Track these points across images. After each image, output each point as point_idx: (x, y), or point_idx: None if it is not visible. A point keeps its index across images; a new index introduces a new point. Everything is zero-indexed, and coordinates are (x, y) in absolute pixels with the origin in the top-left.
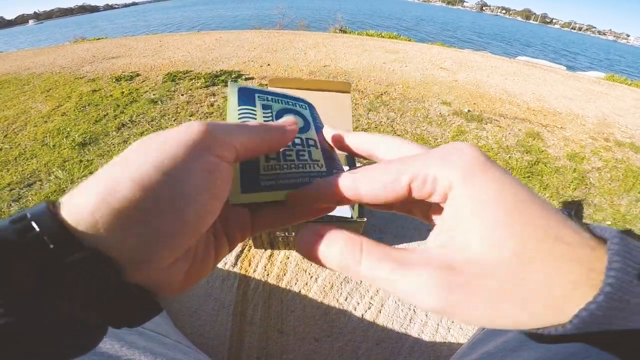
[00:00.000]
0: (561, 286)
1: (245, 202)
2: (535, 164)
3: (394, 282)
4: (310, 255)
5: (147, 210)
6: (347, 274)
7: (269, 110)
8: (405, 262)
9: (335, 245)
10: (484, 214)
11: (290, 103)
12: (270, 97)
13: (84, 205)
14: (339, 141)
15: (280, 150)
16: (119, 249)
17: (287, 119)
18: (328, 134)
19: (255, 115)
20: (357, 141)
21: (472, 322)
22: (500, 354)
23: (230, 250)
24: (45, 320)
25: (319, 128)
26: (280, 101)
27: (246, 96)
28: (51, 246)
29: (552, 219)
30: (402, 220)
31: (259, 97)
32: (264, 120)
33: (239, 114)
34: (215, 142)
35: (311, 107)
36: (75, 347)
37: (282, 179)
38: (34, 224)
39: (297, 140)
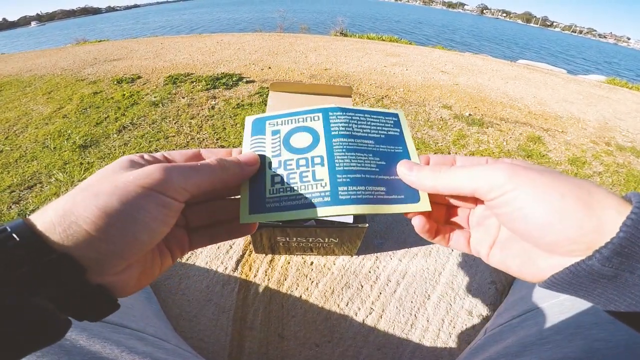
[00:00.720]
0: (596, 217)
1: (252, 221)
2: None
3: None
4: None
5: (108, 232)
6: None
7: (277, 136)
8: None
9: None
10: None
11: (300, 120)
12: (280, 121)
13: (57, 222)
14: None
15: (285, 173)
16: (83, 256)
17: (248, 157)
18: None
19: (264, 143)
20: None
21: (536, 198)
22: (502, 359)
23: (173, 262)
24: (22, 311)
25: (333, 136)
26: (290, 121)
27: (258, 126)
28: (26, 250)
29: (584, 182)
30: (403, 226)
31: (269, 124)
32: (272, 146)
33: (251, 145)
34: (170, 187)
35: (326, 115)
36: (44, 336)
37: (285, 201)
38: (14, 235)
39: (302, 162)
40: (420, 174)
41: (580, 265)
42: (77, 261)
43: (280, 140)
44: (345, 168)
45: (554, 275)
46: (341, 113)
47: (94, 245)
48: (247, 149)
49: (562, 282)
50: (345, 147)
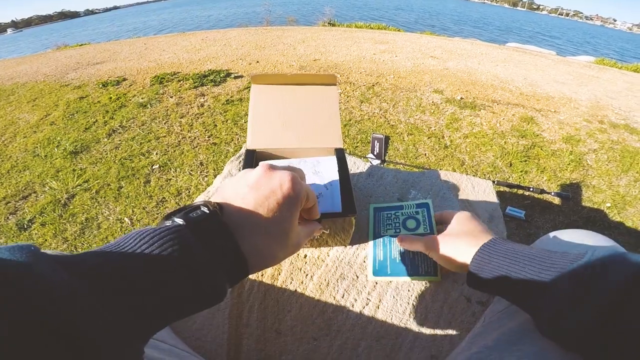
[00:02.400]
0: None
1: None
2: (531, 147)
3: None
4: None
5: (269, 246)
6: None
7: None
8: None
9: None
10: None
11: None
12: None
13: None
14: None
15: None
16: (249, 257)
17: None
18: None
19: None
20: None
21: (439, 260)
22: (500, 346)
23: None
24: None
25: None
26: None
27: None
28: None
29: (478, 228)
30: None
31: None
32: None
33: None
34: (300, 244)
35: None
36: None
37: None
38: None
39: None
40: (409, 246)
41: (466, 282)
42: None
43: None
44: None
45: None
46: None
47: (260, 264)
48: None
49: (470, 286)
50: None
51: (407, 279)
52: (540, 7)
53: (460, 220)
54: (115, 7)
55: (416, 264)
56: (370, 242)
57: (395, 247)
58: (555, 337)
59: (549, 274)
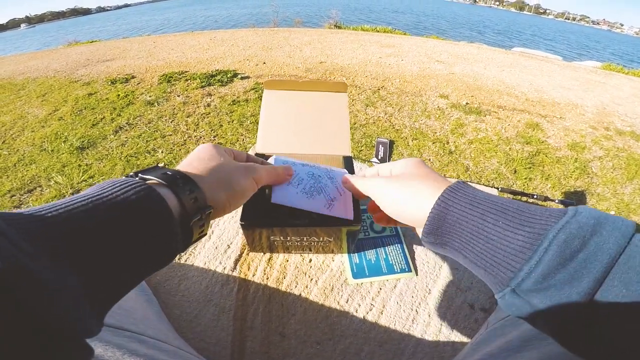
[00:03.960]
0: (429, 193)
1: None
2: (536, 154)
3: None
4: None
5: (232, 201)
6: (356, 187)
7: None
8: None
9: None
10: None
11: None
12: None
13: (207, 194)
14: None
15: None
16: (215, 201)
17: (289, 168)
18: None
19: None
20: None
21: (389, 207)
22: (503, 354)
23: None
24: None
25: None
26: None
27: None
28: (196, 204)
29: (434, 174)
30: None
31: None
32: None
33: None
34: (260, 180)
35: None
36: (171, 257)
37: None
38: (197, 196)
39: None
40: (347, 185)
41: (422, 237)
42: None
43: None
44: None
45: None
46: None
47: (224, 206)
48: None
49: (424, 244)
50: None
51: (385, 277)
52: (547, 11)
53: (412, 164)
54: (126, 5)
55: (391, 262)
56: (345, 247)
57: (369, 250)
58: (516, 309)
59: (526, 231)
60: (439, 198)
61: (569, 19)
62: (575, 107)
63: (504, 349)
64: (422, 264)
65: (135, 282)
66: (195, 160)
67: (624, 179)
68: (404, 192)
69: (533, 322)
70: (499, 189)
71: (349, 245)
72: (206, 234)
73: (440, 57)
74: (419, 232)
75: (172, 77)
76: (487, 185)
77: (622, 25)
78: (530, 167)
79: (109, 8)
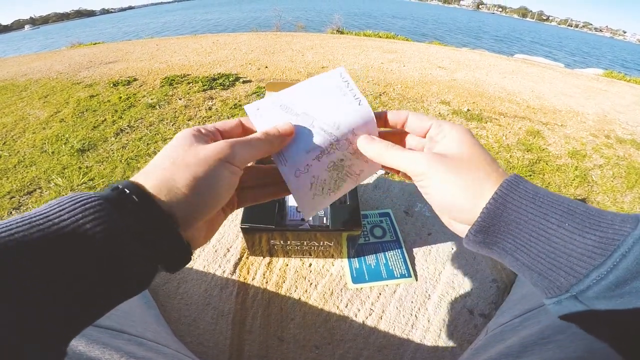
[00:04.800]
0: (487, 180)
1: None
2: (536, 162)
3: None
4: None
5: (198, 193)
6: (380, 157)
7: None
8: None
9: (377, 143)
10: (461, 145)
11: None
12: None
13: (162, 186)
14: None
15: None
16: (177, 214)
17: (285, 128)
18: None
19: None
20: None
21: (442, 186)
22: (503, 359)
23: (225, 218)
24: (135, 262)
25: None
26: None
27: None
28: (138, 205)
29: (489, 157)
30: (402, 226)
31: None
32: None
33: None
34: (236, 158)
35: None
36: (141, 285)
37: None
38: (134, 197)
39: None
40: (370, 149)
41: (467, 236)
42: (175, 218)
43: None
44: None
45: (463, 239)
46: None
47: (187, 206)
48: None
49: (468, 244)
50: None
51: (385, 282)
52: (550, 17)
53: (467, 140)
54: (130, 7)
55: (390, 268)
56: (345, 252)
57: (369, 255)
58: (580, 321)
59: (597, 236)
60: (496, 192)
61: (571, 26)
62: (577, 115)
63: (504, 354)
64: (421, 270)
65: (96, 314)
66: (167, 160)
67: (624, 188)
68: (458, 181)
69: (590, 329)
70: None
71: (349, 250)
72: (187, 258)
73: (442, 63)
74: (458, 228)
75: (174, 80)
76: None
77: (624, 32)
78: (530, 175)
79: (112, 10)
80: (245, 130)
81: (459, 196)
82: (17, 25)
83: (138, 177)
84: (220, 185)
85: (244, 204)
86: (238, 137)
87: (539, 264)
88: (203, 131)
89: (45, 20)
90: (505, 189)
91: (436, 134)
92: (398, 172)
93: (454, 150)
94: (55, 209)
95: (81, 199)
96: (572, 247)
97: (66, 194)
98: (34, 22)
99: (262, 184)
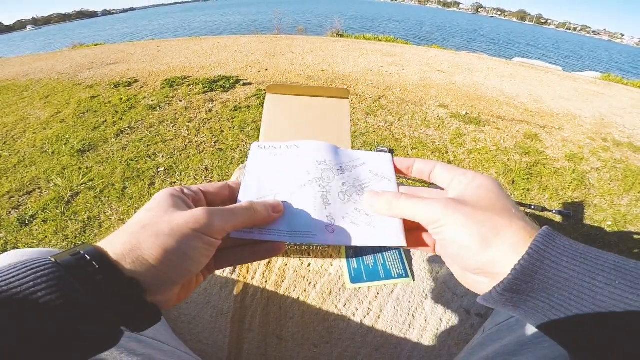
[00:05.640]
0: (510, 237)
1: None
2: (534, 165)
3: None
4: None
5: (166, 264)
6: (391, 211)
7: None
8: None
9: (384, 197)
10: (478, 192)
11: None
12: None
13: (126, 254)
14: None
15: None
16: (144, 281)
17: (274, 204)
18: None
19: None
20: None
21: (456, 232)
22: (499, 358)
23: (204, 280)
24: (98, 328)
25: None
26: None
27: None
28: (98, 271)
29: (511, 204)
30: None
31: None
32: None
33: None
34: (213, 229)
35: None
36: (102, 342)
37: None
38: (94, 263)
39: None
40: (378, 205)
41: (490, 294)
42: (140, 285)
43: None
44: None
45: (480, 297)
46: None
47: (154, 274)
48: None
49: (488, 301)
50: None
51: (383, 282)
52: (549, 21)
53: (491, 188)
54: (132, 9)
55: (388, 268)
56: (343, 252)
57: (367, 255)
58: None
59: None
60: (530, 247)
61: (570, 29)
62: (574, 118)
63: (500, 353)
64: (419, 270)
65: None
66: (137, 224)
67: (621, 191)
68: (474, 226)
69: None
70: None
71: (348, 250)
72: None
73: (441, 66)
74: (472, 280)
75: (174, 81)
76: None
77: (622, 35)
78: (528, 178)
79: (114, 11)
80: (232, 194)
81: (472, 243)
82: (20, 26)
83: (104, 242)
84: (191, 257)
85: (222, 266)
86: (224, 200)
87: (579, 325)
88: (185, 191)
89: (47, 20)
90: (542, 243)
91: (459, 183)
92: (419, 235)
93: (473, 195)
94: (5, 275)
95: (33, 265)
96: (624, 307)
97: (66, 195)
98: (36, 22)
99: (242, 244)
